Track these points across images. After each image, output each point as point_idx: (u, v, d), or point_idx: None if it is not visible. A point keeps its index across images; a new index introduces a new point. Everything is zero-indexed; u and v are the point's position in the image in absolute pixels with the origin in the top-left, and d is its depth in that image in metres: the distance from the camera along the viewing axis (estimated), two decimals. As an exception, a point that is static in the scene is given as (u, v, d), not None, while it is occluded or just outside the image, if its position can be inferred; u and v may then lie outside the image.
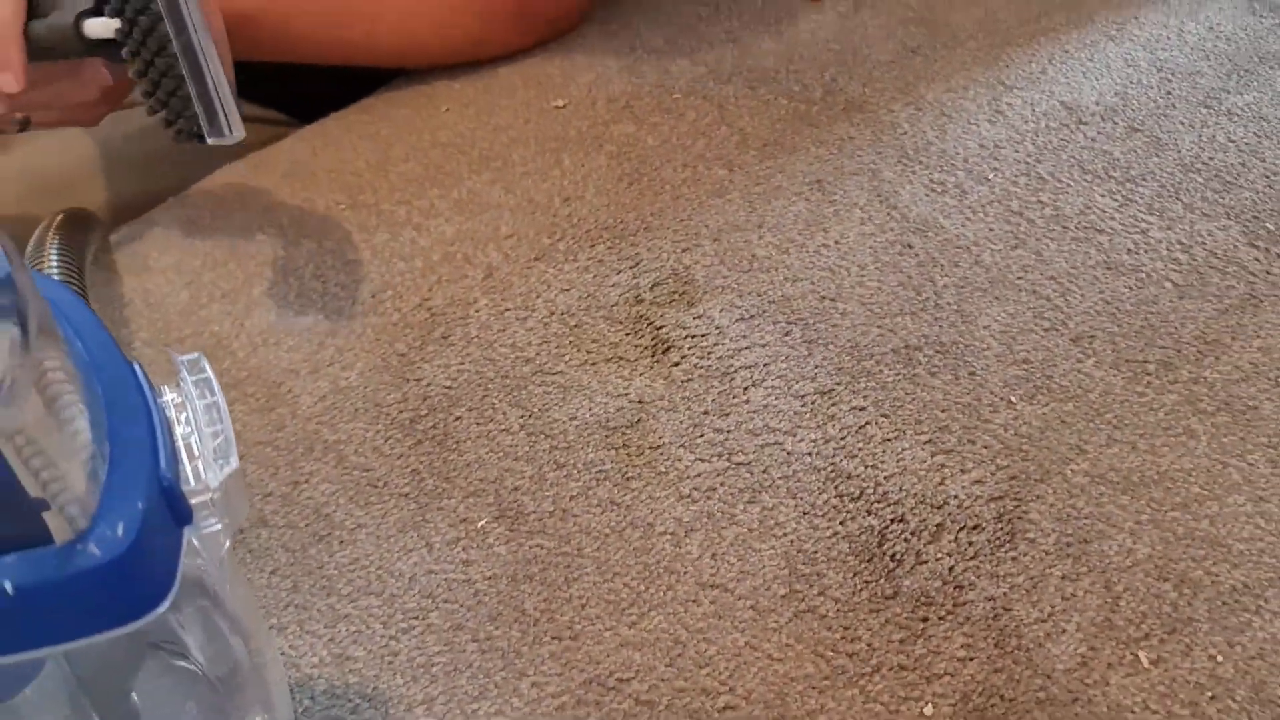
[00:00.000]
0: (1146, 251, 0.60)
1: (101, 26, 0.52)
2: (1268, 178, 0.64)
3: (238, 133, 0.54)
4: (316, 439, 0.53)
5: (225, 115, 0.53)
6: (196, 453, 0.26)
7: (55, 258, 0.53)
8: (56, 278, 0.50)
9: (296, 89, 0.81)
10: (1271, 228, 0.61)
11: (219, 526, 0.26)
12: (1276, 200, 0.63)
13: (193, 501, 0.25)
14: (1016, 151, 0.67)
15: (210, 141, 0.54)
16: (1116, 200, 0.63)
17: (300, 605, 0.46)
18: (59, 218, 0.58)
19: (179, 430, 0.27)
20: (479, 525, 0.49)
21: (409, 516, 0.49)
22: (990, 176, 0.65)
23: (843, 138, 0.69)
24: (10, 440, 0.22)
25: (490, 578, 0.47)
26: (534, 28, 0.77)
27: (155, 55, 0.52)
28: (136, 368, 0.26)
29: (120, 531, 0.22)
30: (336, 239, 0.63)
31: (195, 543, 0.26)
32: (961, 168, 0.66)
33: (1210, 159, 0.66)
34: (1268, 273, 0.58)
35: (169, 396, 0.28)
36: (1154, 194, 0.64)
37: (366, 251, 0.62)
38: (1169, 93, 0.71)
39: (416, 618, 0.45)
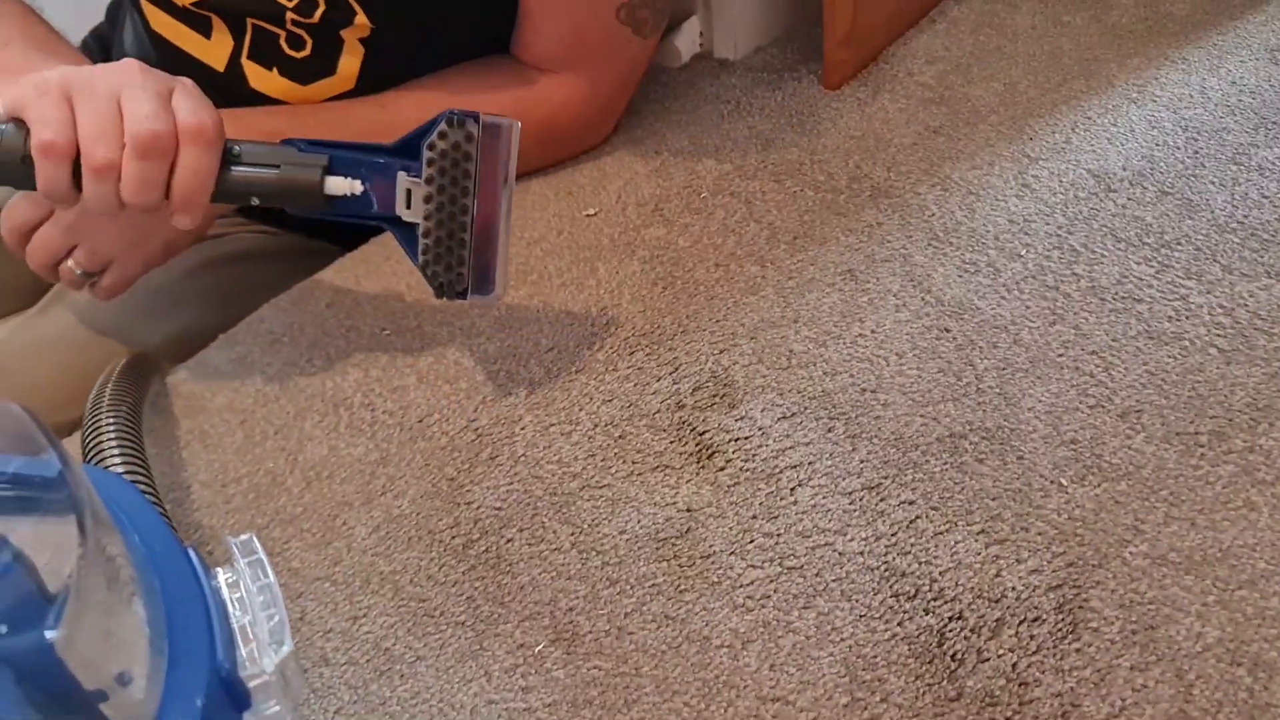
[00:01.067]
0: (1188, 318, 0.60)
1: (344, 185, 0.55)
2: (1306, 232, 0.64)
3: (501, 291, 0.58)
4: (373, 571, 0.53)
5: (499, 276, 0.57)
6: (252, 636, 0.27)
7: (108, 418, 0.54)
8: (109, 442, 0.51)
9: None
10: (1315, 284, 0.60)
11: (279, 707, 0.27)
12: (1317, 255, 0.62)
13: (251, 685, 0.26)
14: (1047, 225, 0.67)
15: (471, 299, 0.57)
16: (1153, 267, 0.63)
17: (365, 744, 0.46)
18: (117, 369, 0.60)
19: (234, 613, 0.28)
20: (536, 650, 0.49)
21: (467, 645, 0.50)
22: (1023, 252, 0.66)
23: (871, 224, 0.70)
24: (74, 649, 0.23)
25: (550, 704, 0.47)
26: (559, 147, 0.79)
27: (450, 218, 0.55)
28: (192, 555, 0.27)
29: (180, 732, 0.23)
30: (383, 366, 0.65)
31: (254, 722, 0.27)
32: (993, 246, 0.66)
33: (1245, 217, 0.65)
34: (1315, 331, 0.57)
35: (223, 578, 0.29)
36: (1190, 258, 0.63)
37: (412, 376, 0.64)
38: (1197, 152, 0.71)
39: (480, 750, 0.46)
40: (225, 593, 0.28)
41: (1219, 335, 0.58)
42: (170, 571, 0.26)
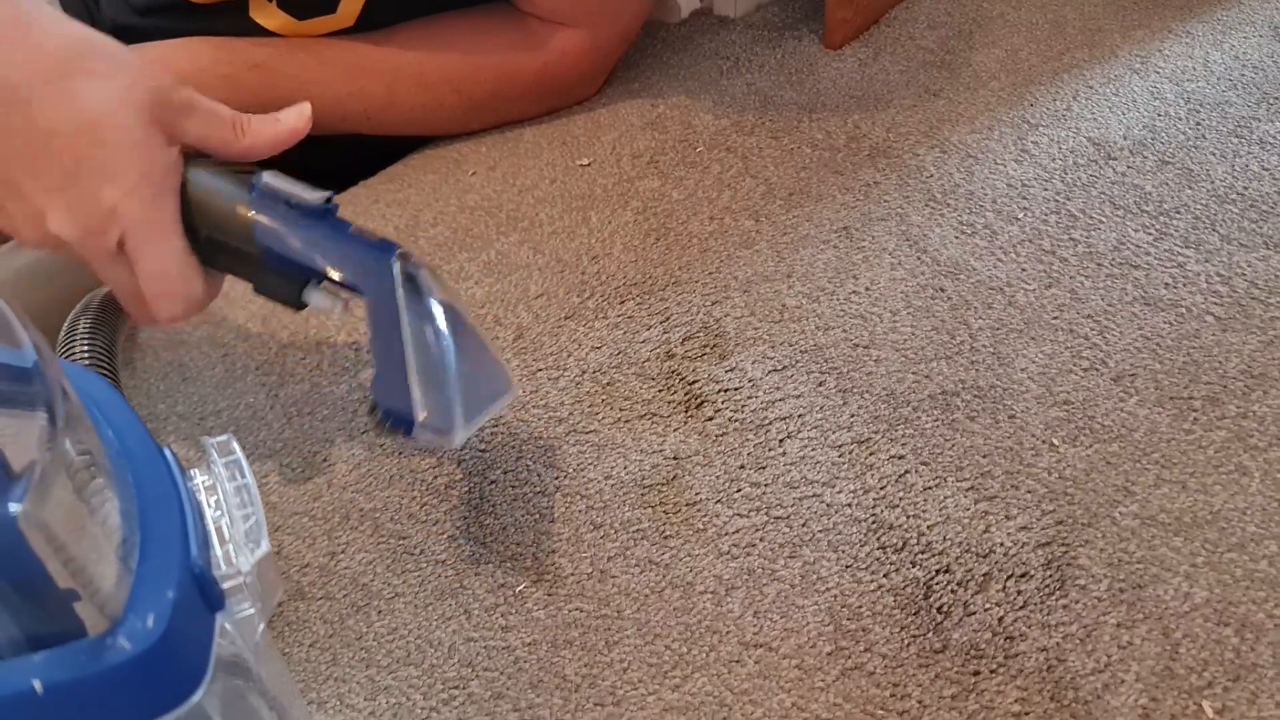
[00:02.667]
0: (1185, 285, 0.59)
1: (326, 302, 0.49)
2: (1305, 205, 0.63)
3: (457, 435, 0.44)
4: (353, 508, 0.52)
5: (449, 413, 0.44)
6: (227, 536, 0.26)
7: (86, 339, 0.53)
8: (86, 361, 0.50)
9: (325, 159, 0.82)
10: (1312, 256, 0.60)
11: (252, 610, 0.26)
12: (1316, 227, 0.62)
13: (225, 586, 0.25)
14: (1045, 190, 0.67)
15: (418, 436, 0.45)
16: (1151, 234, 0.62)
17: (339, 678, 0.45)
18: (95, 298, 0.59)
19: (210, 514, 0.27)
20: (517, 590, 0.48)
21: (446, 584, 0.49)
22: (1020, 216, 0.65)
23: (868, 183, 0.69)
24: (40, 531, 0.22)
25: (530, 644, 0.46)
26: (552, 96, 0.78)
27: (386, 336, 0.46)
28: (168, 453, 0.26)
29: (151, 623, 0.22)
30: (367, 306, 0.63)
31: (229, 627, 0.26)
32: (990, 208, 0.66)
33: (1245, 189, 0.65)
34: (1312, 302, 0.57)
35: (199, 479, 0.28)
36: (1189, 226, 0.63)
37: (397, 317, 0.62)
38: (1198, 124, 0.70)
39: (457, 687, 0.45)
40: (201, 494, 0.27)
41: (1215, 303, 0.58)
42: (144, 467, 0.25)
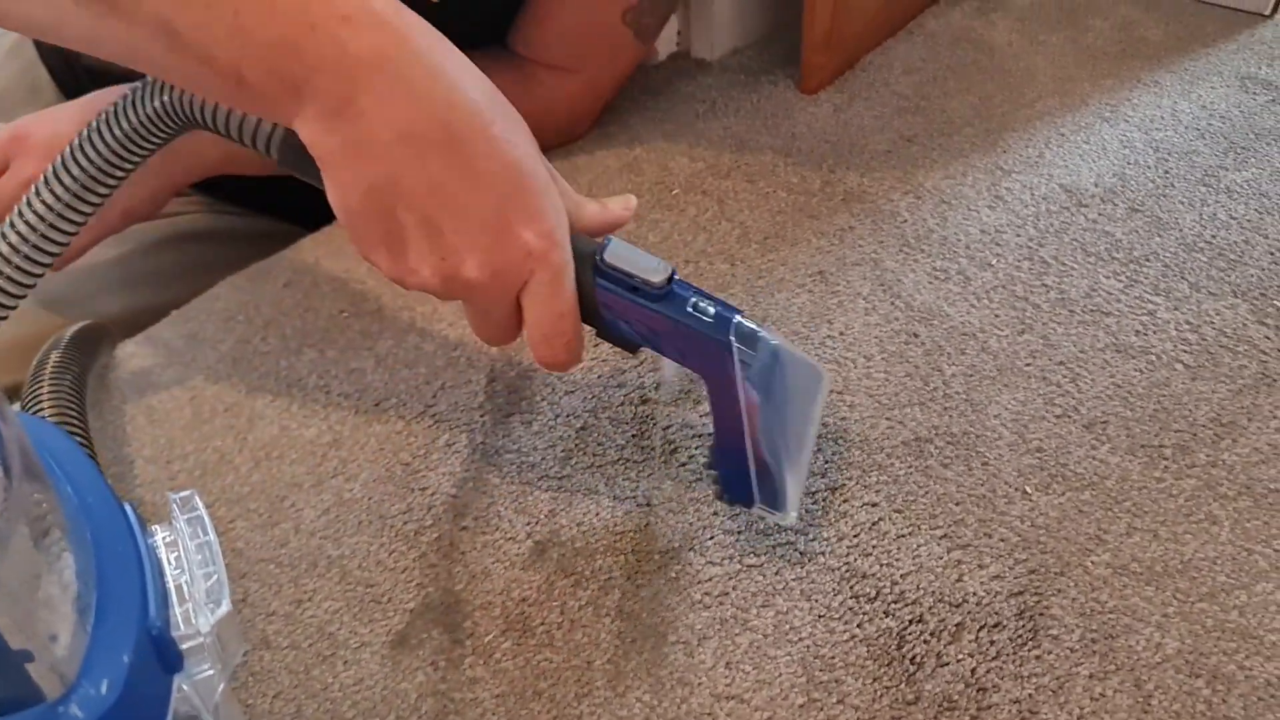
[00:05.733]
0: (1155, 333, 0.59)
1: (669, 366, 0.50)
2: (1272, 254, 0.64)
3: (788, 512, 0.49)
4: (320, 554, 0.52)
5: (773, 493, 0.49)
6: (188, 595, 0.26)
7: (52, 381, 0.52)
8: (51, 405, 0.49)
9: (300, 196, 0.81)
10: (1280, 304, 0.60)
11: (212, 671, 0.25)
12: (1283, 276, 0.62)
13: (184, 647, 0.25)
14: (1018, 236, 0.67)
15: (757, 511, 0.50)
16: (1121, 281, 0.63)
17: (304, 731, 0.45)
18: (64, 337, 0.58)
19: (170, 572, 0.26)
20: (486, 640, 0.48)
21: (414, 633, 0.48)
22: (993, 262, 0.65)
23: (843, 228, 0.69)
24: (-10, 593, 0.21)
25: (498, 696, 0.45)
26: (544, 137, 0.77)
27: (724, 413, 0.49)
28: (128, 509, 0.26)
29: (104, 689, 0.22)
30: (340, 347, 0.63)
31: (187, 688, 0.25)
32: (964, 254, 0.66)
33: (1213, 237, 0.66)
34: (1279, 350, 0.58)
35: (160, 535, 0.27)
36: (1159, 274, 0.63)
37: (370, 359, 0.62)
38: (1167, 172, 0.71)
39: (424, 740, 0.44)
40: (162, 551, 0.26)
41: (1185, 351, 0.58)
42: (103, 524, 0.24)
